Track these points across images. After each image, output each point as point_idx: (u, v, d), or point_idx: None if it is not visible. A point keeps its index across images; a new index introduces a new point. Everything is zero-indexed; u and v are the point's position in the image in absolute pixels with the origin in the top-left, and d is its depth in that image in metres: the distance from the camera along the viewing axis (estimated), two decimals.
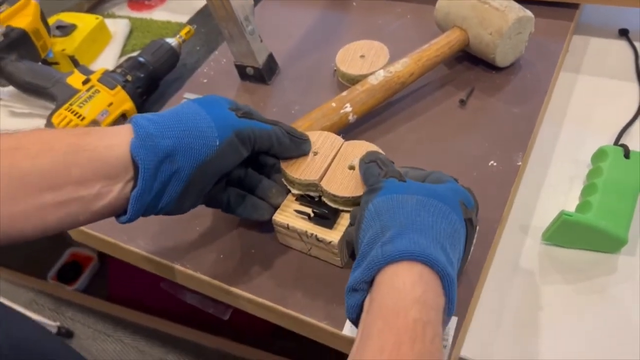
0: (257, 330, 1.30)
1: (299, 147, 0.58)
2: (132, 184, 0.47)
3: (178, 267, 0.61)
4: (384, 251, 0.42)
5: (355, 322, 0.45)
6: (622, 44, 0.80)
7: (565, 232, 0.58)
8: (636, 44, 0.79)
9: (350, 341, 0.53)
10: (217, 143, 0.50)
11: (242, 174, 0.58)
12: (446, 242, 0.44)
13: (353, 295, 0.44)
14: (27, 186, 0.43)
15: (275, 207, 0.59)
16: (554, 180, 0.66)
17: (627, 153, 0.62)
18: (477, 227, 0.51)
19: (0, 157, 0.43)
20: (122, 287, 1.50)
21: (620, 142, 0.67)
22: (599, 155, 0.64)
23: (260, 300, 0.57)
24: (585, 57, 0.79)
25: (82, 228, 0.66)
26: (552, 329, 0.54)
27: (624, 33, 0.81)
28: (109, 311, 1.43)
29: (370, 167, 0.53)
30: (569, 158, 0.68)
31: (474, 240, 0.51)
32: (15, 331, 0.41)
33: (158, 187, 0.48)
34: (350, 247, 0.58)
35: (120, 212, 0.49)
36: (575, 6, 0.80)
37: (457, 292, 0.52)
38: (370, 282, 0.43)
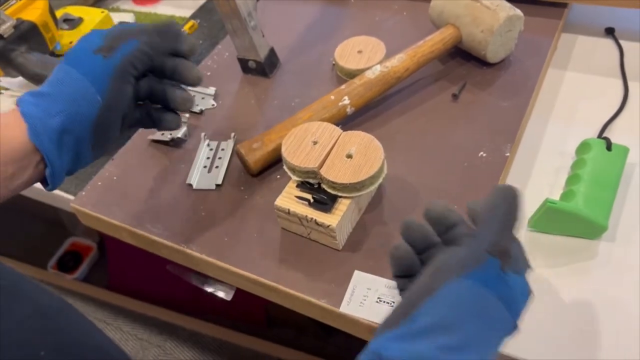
0: (253, 319, 1.33)
1: (175, 40, 0.58)
2: (43, 163, 0.52)
3: (185, 249, 0.64)
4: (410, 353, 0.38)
5: None
6: (608, 42, 0.83)
7: (550, 219, 0.61)
8: (621, 42, 0.82)
9: (346, 318, 0.56)
10: (99, 98, 0.53)
11: (149, 87, 0.58)
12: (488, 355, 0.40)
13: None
14: None
15: (185, 111, 0.61)
16: (540, 171, 0.69)
17: (609, 145, 0.65)
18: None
19: None
20: (122, 276, 1.53)
21: (604, 135, 0.70)
22: (583, 147, 0.67)
23: (262, 280, 0.60)
24: (573, 55, 0.82)
25: (91, 212, 0.69)
26: (535, 309, 0.57)
27: (610, 32, 0.83)
28: (108, 300, 1.45)
29: (496, 216, 0.44)
30: (554, 150, 0.70)
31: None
32: (41, 299, 0.44)
33: (68, 156, 0.53)
34: (348, 233, 0.62)
35: (42, 180, 0.54)
36: (564, 5, 0.83)
37: None
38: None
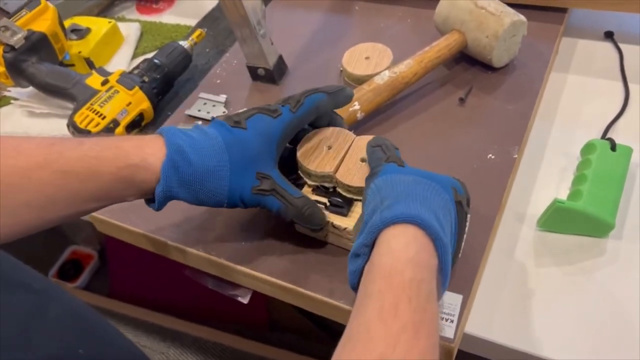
0: (256, 324, 1.34)
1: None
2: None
3: (203, 254, 0.65)
4: (382, 216, 0.47)
5: (356, 288, 0.49)
6: (608, 46, 0.85)
7: (558, 219, 0.63)
8: (621, 45, 0.83)
9: None
10: (225, 205, 0.57)
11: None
12: (439, 212, 0.49)
13: (355, 260, 0.49)
14: (75, 200, 0.53)
15: None
16: (546, 172, 0.71)
17: (613, 146, 0.67)
18: (469, 217, 0.55)
19: (53, 177, 0.51)
20: (123, 283, 1.53)
21: (607, 136, 0.72)
22: (588, 148, 0.68)
23: (280, 282, 0.61)
24: (574, 58, 0.84)
25: (109, 220, 0.70)
26: (545, 307, 0.59)
27: (609, 35, 0.85)
28: (110, 308, 1.45)
29: (375, 151, 0.58)
30: (560, 151, 0.72)
31: (466, 229, 0.55)
32: (69, 301, 0.45)
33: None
34: None
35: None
36: (564, 10, 0.85)
37: (462, 273, 0.57)
38: (371, 247, 0.47)
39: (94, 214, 0.71)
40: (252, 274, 0.63)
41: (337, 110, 0.71)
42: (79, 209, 0.54)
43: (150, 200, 0.56)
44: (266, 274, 0.62)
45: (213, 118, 0.80)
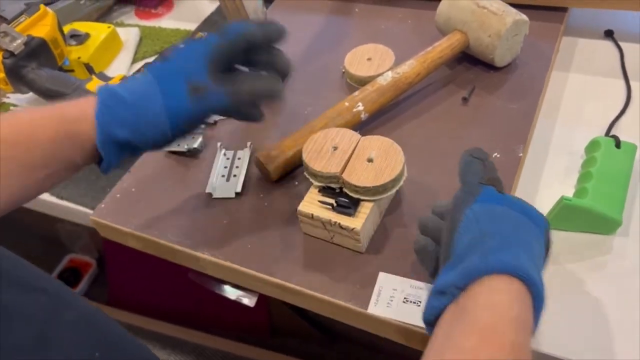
0: (257, 329, 1.33)
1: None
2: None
3: (209, 257, 0.65)
4: (487, 261, 0.42)
5: (432, 324, 0.44)
6: (608, 44, 0.85)
7: (566, 216, 0.62)
8: (621, 43, 0.84)
9: (375, 320, 0.57)
10: (170, 134, 0.56)
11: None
12: (539, 263, 0.45)
13: (439, 297, 0.44)
14: (22, 170, 0.53)
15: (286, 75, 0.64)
16: (551, 170, 0.71)
17: (618, 143, 0.67)
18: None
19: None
20: (122, 291, 1.52)
21: (611, 133, 0.72)
22: (593, 146, 0.68)
23: (288, 285, 0.61)
24: (575, 57, 0.84)
25: (112, 224, 0.70)
26: (554, 305, 0.58)
27: (609, 34, 0.86)
28: (109, 315, 1.44)
29: (474, 162, 0.53)
30: (564, 149, 0.72)
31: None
32: (81, 305, 0.45)
33: (125, 156, 0.57)
34: (370, 236, 0.63)
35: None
36: (564, 9, 0.85)
37: None
38: (462, 288, 0.43)
39: (95, 218, 0.71)
40: (259, 277, 0.62)
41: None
42: (30, 179, 0.53)
43: (101, 162, 0.56)
44: (272, 276, 0.62)
45: (215, 122, 0.80)
